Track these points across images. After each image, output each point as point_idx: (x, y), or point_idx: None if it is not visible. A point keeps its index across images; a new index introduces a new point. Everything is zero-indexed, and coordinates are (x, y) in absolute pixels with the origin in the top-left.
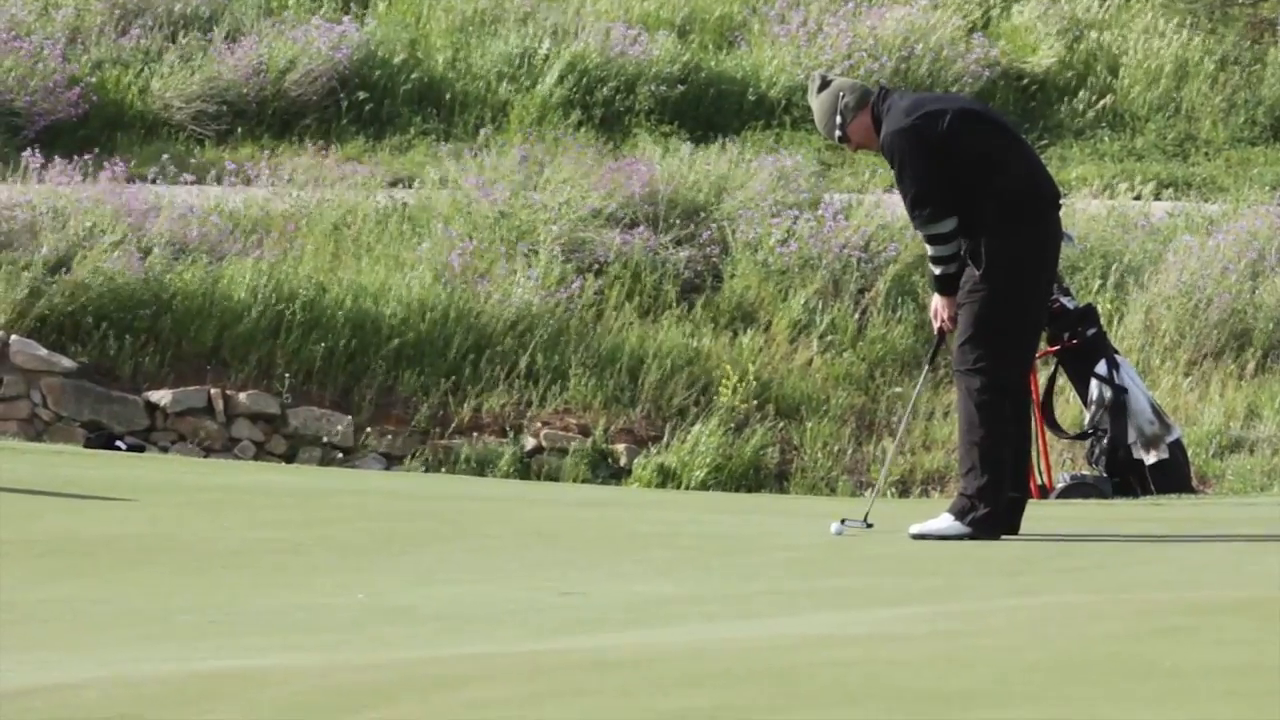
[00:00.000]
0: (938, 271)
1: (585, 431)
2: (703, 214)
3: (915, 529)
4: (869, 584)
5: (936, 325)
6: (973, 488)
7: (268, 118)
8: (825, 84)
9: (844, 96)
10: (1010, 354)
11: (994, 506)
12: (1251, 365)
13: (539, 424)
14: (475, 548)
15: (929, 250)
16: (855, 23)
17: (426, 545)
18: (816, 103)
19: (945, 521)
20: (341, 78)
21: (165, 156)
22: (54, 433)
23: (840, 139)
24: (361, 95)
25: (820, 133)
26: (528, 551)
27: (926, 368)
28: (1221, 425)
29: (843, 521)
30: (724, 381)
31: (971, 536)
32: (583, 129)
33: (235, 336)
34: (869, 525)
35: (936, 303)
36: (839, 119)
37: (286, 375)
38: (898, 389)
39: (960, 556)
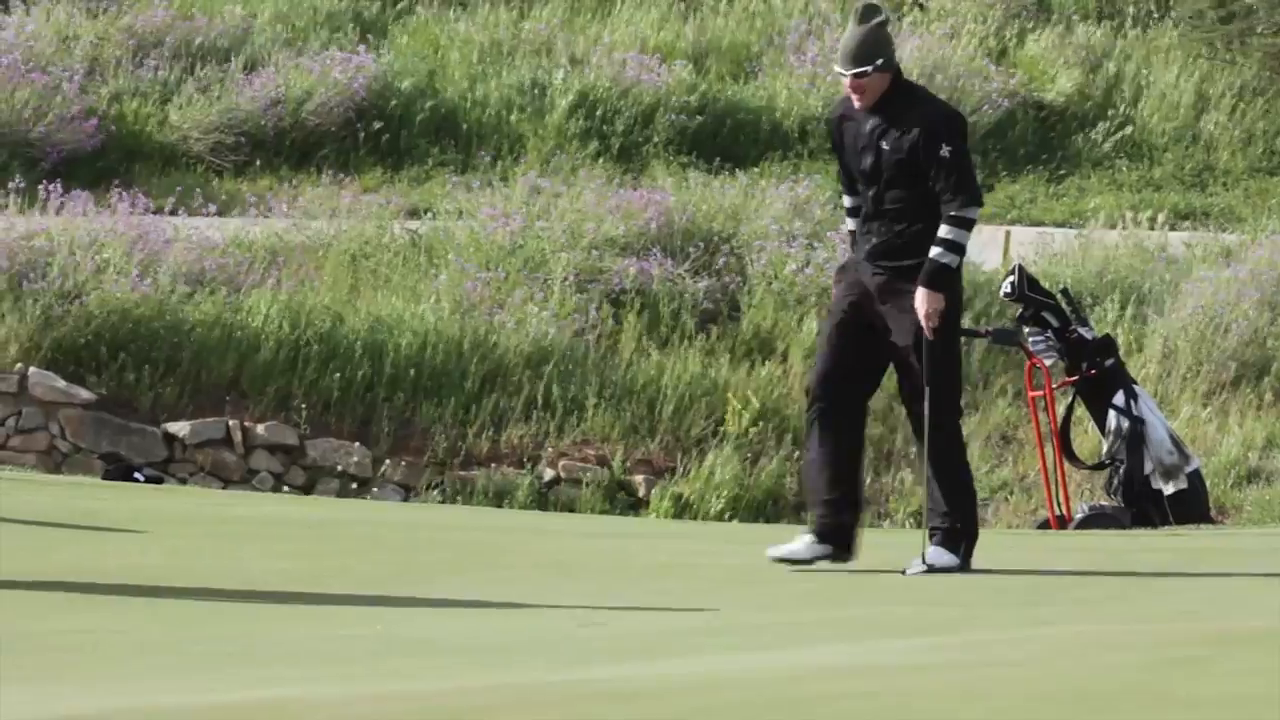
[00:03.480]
0: (957, 264)
1: (603, 462)
2: (719, 243)
3: (915, 571)
4: (885, 615)
5: (932, 326)
6: (959, 519)
7: (285, 148)
8: (876, 12)
9: (890, 42)
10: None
11: (975, 533)
12: (1270, 395)
13: (556, 455)
14: (493, 579)
15: (960, 237)
16: None
17: (444, 576)
18: (863, 29)
19: (943, 556)
20: (359, 108)
21: (181, 188)
22: (72, 464)
23: (871, 72)
24: (378, 125)
25: (845, 61)
26: (545, 582)
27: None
28: (1240, 455)
29: (903, 572)
30: (733, 411)
31: (962, 568)
32: (601, 160)
33: (253, 367)
34: (931, 567)
35: (937, 301)
36: (884, 53)
37: (304, 406)
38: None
39: (977, 587)
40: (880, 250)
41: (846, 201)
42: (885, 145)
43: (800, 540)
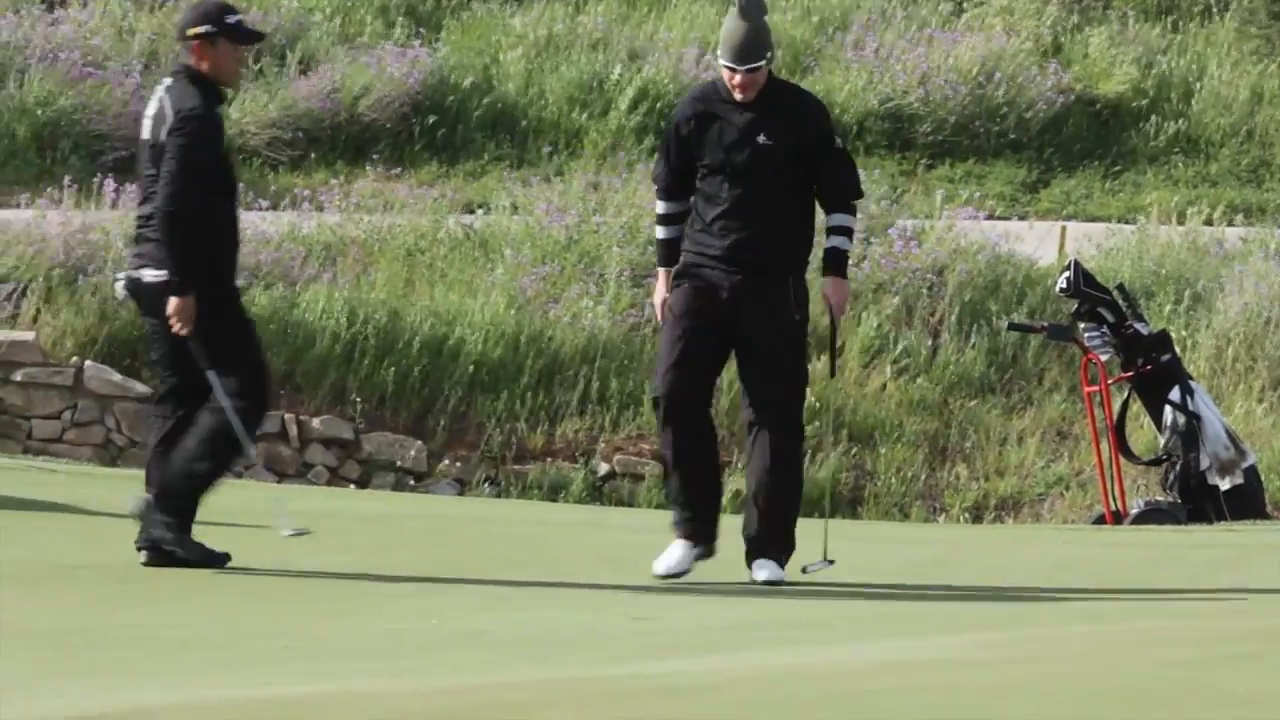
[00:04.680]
0: (850, 248)
1: (657, 457)
2: None
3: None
4: (940, 610)
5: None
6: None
7: (341, 143)
8: (760, 4)
9: (771, 33)
10: None
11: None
12: None
13: (611, 449)
14: (546, 573)
15: (854, 224)
16: (930, 49)
17: (499, 571)
18: (752, 23)
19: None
20: (414, 103)
21: (240, 183)
22: (128, 458)
23: (762, 66)
24: (432, 119)
25: (737, 56)
26: (599, 577)
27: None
28: None
29: (804, 570)
30: None
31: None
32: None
33: (309, 361)
34: (830, 561)
35: (847, 288)
36: (771, 45)
37: (360, 401)
38: (974, 406)
39: (1031, 582)
40: (742, 248)
41: (666, 208)
42: (766, 139)
43: (677, 549)
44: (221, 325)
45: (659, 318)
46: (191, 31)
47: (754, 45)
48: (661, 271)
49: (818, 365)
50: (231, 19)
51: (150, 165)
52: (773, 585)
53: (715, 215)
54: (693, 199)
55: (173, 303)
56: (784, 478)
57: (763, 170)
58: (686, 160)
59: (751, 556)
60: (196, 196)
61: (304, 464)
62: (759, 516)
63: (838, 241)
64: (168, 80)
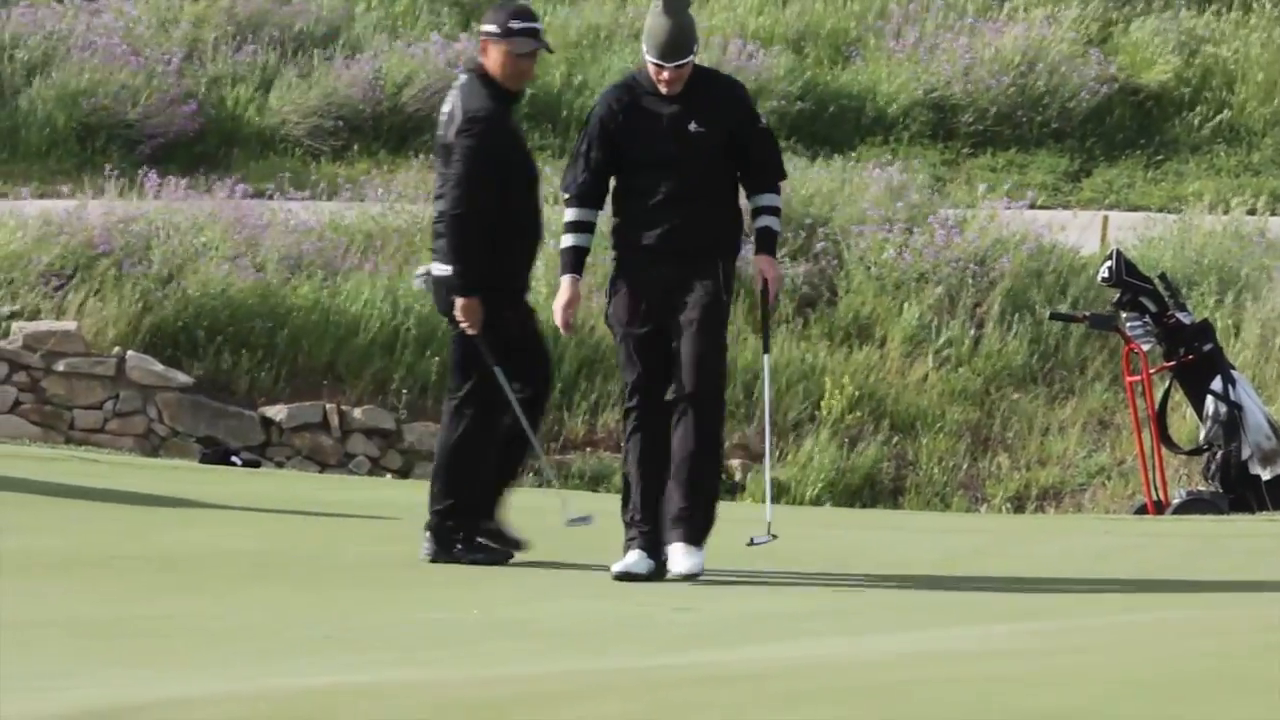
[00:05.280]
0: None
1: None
2: (817, 227)
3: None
4: (980, 600)
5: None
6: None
7: (384, 133)
8: (686, 3)
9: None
10: None
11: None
12: None
13: None
14: (588, 563)
15: (780, 204)
16: (973, 39)
17: (540, 560)
18: (680, 20)
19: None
20: None
21: (286, 173)
22: (170, 448)
23: (689, 63)
24: None
25: (666, 53)
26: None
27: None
28: None
29: (750, 542)
30: (830, 395)
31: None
32: None
33: (350, 351)
34: (774, 536)
35: (778, 267)
36: (697, 39)
37: (402, 390)
38: (1016, 396)
39: (1073, 572)
40: (677, 235)
41: (579, 214)
42: (696, 127)
43: (634, 556)
44: (507, 322)
45: (559, 323)
46: (481, 30)
47: (682, 41)
48: (568, 279)
49: (751, 340)
50: (517, 24)
51: (441, 163)
52: (689, 579)
53: (647, 207)
54: (614, 198)
55: (459, 303)
56: (706, 458)
57: (695, 158)
58: (609, 158)
59: (670, 534)
60: (481, 198)
61: (346, 454)
62: (680, 495)
63: (770, 221)
64: (462, 77)
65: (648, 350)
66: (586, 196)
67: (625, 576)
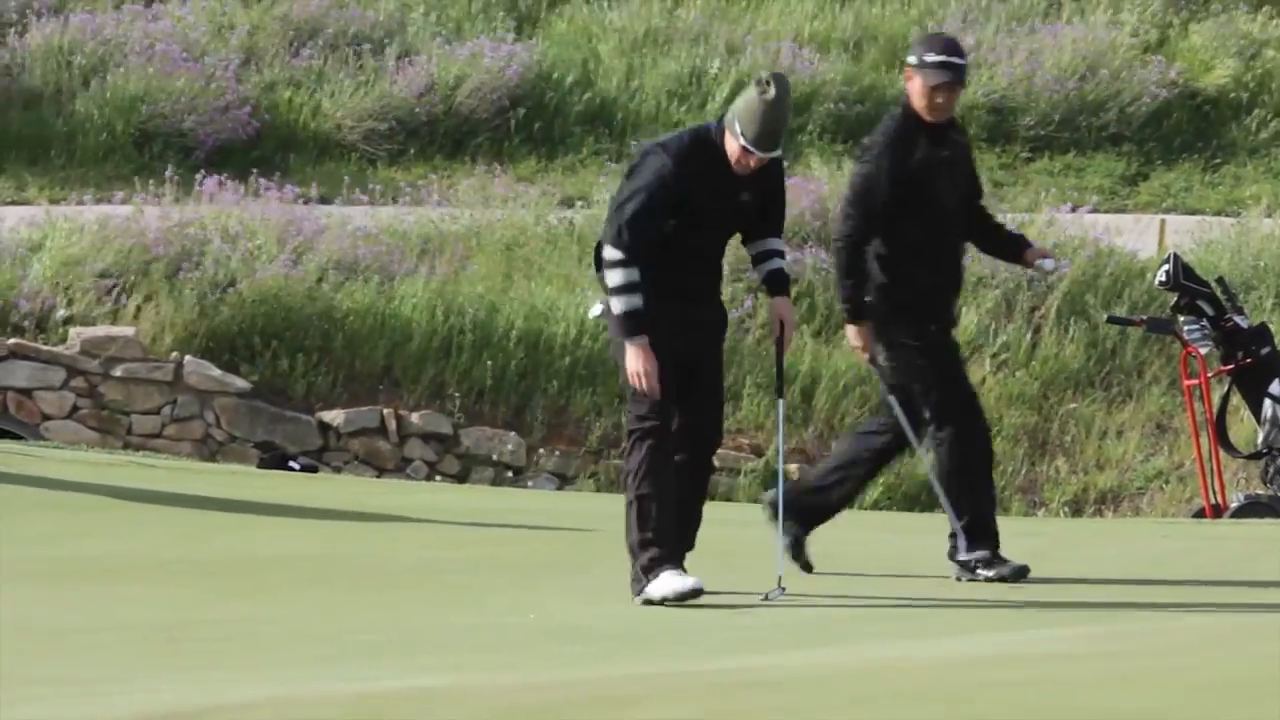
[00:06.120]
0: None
1: (758, 451)
2: None
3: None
4: (1041, 604)
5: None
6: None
7: (439, 137)
8: (787, 84)
9: None
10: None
11: None
12: None
13: None
14: None
15: (784, 247)
16: (1032, 44)
17: (597, 565)
18: (785, 111)
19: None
20: (513, 97)
21: (347, 179)
22: (227, 453)
23: (779, 154)
24: (524, 112)
25: (765, 143)
26: (697, 571)
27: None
28: None
29: (765, 598)
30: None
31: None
32: None
33: (407, 356)
34: (784, 590)
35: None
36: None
37: (458, 395)
38: (1073, 405)
39: (1134, 575)
40: (703, 291)
41: (633, 276)
42: (747, 195)
43: (680, 576)
44: (924, 355)
45: (642, 387)
46: (908, 58)
47: (780, 131)
48: (640, 343)
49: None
50: (932, 58)
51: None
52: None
53: (678, 261)
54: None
55: (849, 330)
56: (701, 502)
57: (737, 222)
58: (668, 218)
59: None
60: (864, 226)
61: (403, 459)
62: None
63: (782, 264)
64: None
65: (670, 380)
66: (640, 254)
67: (689, 595)
